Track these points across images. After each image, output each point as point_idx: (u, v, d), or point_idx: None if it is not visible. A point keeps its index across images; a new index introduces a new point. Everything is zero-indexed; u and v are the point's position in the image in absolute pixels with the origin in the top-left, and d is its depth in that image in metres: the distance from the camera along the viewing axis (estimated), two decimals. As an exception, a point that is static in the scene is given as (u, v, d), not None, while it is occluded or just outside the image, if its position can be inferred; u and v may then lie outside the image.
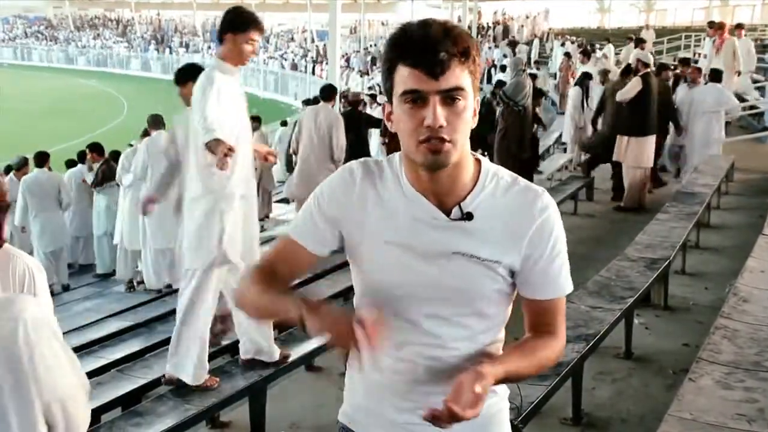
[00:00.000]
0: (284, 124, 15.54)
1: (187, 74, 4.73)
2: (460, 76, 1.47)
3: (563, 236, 1.62)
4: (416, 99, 1.47)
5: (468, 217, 1.56)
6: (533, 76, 11.04)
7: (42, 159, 9.47)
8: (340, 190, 1.63)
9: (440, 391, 1.60)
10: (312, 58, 34.98)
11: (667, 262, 5.28)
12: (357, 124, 9.29)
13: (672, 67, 11.26)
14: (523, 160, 9.33)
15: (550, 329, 1.65)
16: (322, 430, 4.09)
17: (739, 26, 13.34)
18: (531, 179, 8.74)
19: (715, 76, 10.05)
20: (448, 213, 1.57)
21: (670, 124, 9.58)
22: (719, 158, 9.47)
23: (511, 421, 1.81)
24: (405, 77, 1.47)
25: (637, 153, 8.56)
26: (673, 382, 4.23)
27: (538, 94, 10.69)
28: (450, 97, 1.47)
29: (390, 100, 1.54)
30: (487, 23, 35.15)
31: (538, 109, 10.72)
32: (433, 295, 1.59)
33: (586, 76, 11.60)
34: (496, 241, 1.57)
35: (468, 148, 1.56)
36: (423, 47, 1.45)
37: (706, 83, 10.01)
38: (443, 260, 1.57)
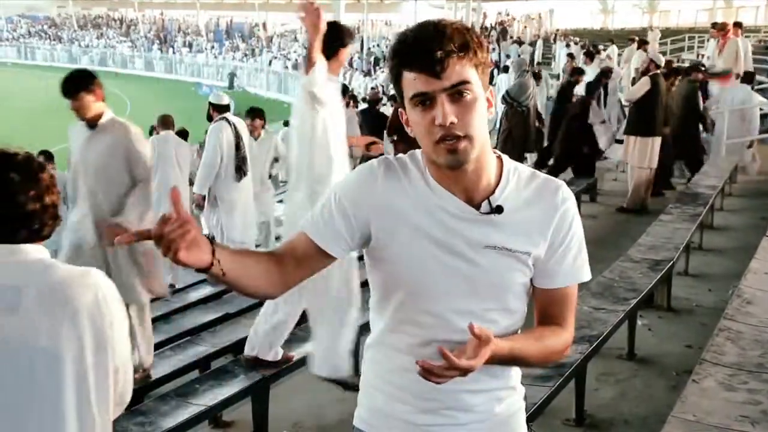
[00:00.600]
0: (287, 124, 15.49)
1: (79, 84, 4.13)
2: (462, 70, 1.48)
3: (581, 226, 1.66)
4: (424, 101, 1.49)
5: (498, 210, 1.57)
6: (606, 72, 11.00)
7: (47, 158, 9.51)
8: (363, 187, 1.62)
9: (464, 389, 1.61)
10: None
11: (670, 264, 5.27)
12: (376, 121, 9.33)
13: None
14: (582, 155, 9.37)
15: (559, 321, 1.66)
16: (325, 430, 4.09)
17: (737, 25, 13.36)
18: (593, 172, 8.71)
19: (747, 77, 10.11)
20: (476, 208, 1.58)
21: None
22: (723, 160, 9.46)
23: (528, 427, 1.81)
24: (410, 82, 1.50)
25: (642, 153, 8.56)
26: (677, 383, 4.23)
27: (594, 87, 10.56)
28: (457, 92, 1.48)
29: (402, 106, 1.56)
30: (490, 24, 35.16)
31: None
32: (464, 290, 1.59)
33: (603, 74, 11.55)
34: (525, 233, 1.59)
35: (489, 144, 1.57)
36: (420, 50, 1.47)
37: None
38: (475, 254, 1.57)
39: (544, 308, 1.67)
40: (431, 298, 1.60)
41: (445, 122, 1.47)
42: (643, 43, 14.83)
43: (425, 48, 1.46)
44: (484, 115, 1.52)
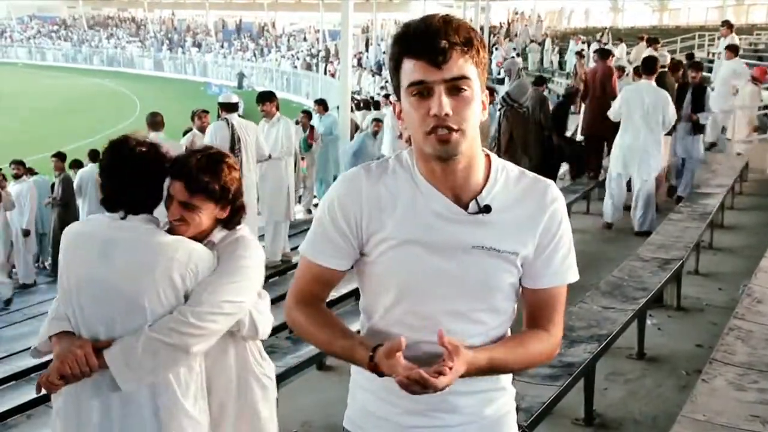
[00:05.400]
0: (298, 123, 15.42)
1: None
2: (463, 65, 1.47)
3: (569, 227, 1.64)
4: (422, 91, 1.48)
5: (486, 210, 1.56)
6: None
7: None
8: (348, 199, 1.62)
9: (451, 391, 1.59)
10: (323, 57, 35.04)
11: (680, 263, 5.25)
12: None
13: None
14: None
15: (546, 324, 1.65)
16: (334, 429, 4.09)
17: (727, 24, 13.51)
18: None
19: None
20: (464, 207, 1.57)
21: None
22: (733, 158, 9.41)
23: (519, 427, 1.81)
24: (410, 70, 1.48)
25: None
26: (686, 383, 4.21)
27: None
28: (455, 87, 1.47)
29: (399, 98, 1.55)
30: (501, 22, 35.11)
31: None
32: (452, 290, 1.59)
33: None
34: (513, 233, 1.58)
35: (479, 142, 1.56)
36: (424, 38, 1.46)
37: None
38: (462, 254, 1.57)
39: (531, 310, 1.66)
40: (420, 299, 1.60)
41: (440, 113, 1.46)
42: (652, 42, 14.77)
43: (429, 36, 1.45)
44: (477, 114, 1.52)
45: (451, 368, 1.45)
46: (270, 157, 7.54)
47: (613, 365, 4.45)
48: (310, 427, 4.18)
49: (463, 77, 1.47)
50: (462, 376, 1.49)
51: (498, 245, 1.57)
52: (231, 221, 2.48)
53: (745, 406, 2.97)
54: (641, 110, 7.44)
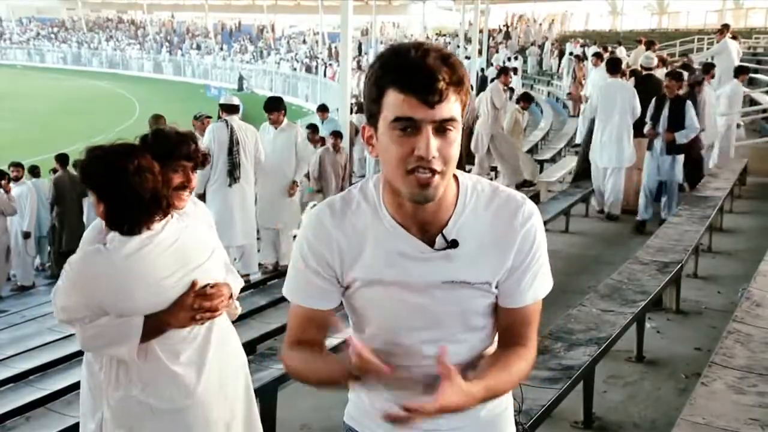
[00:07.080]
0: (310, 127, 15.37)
1: None
2: (453, 106, 1.41)
3: (544, 243, 1.59)
4: (408, 127, 1.40)
5: (453, 245, 1.52)
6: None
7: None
8: (316, 241, 1.59)
9: None
10: (323, 60, 35.06)
11: (679, 266, 5.26)
12: None
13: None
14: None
15: (521, 341, 1.61)
16: (333, 432, 4.10)
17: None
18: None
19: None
20: (432, 242, 1.53)
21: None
22: (732, 162, 9.41)
23: (517, 423, 1.81)
24: (397, 103, 1.40)
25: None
26: (686, 386, 4.22)
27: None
28: (443, 127, 1.41)
29: (373, 124, 1.47)
30: (499, 25, 35.14)
31: None
32: (428, 322, 1.58)
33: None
34: (484, 263, 1.55)
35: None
36: (421, 74, 1.38)
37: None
38: (434, 290, 1.55)
39: (506, 327, 1.62)
40: (397, 333, 1.61)
41: (428, 156, 1.39)
42: (651, 45, 14.79)
43: (426, 74, 1.38)
44: (457, 153, 1.46)
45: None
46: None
47: (612, 368, 4.46)
48: (309, 430, 4.18)
49: (453, 119, 1.41)
50: (460, 409, 1.43)
51: (469, 278, 1.54)
52: (110, 222, 2.39)
53: (744, 409, 2.97)
54: (614, 105, 8.37)
